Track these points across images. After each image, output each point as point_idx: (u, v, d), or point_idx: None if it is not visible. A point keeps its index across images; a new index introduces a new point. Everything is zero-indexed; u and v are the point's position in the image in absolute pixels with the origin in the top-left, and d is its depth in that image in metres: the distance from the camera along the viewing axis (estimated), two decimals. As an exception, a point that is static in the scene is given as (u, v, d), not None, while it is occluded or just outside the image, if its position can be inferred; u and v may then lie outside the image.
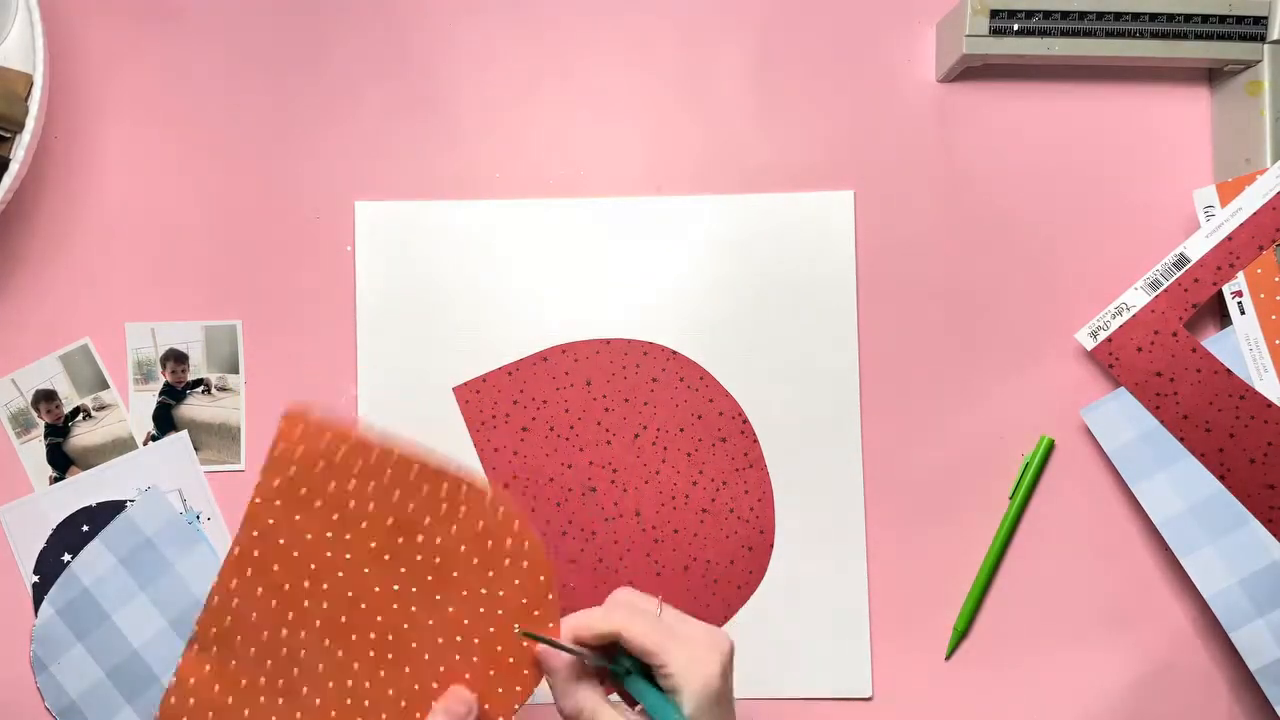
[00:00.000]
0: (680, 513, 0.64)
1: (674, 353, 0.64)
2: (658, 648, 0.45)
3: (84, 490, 0.65)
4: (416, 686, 0.48)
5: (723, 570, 0.64)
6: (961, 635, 0.64)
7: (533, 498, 0.64)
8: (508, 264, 0.65)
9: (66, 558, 0.65)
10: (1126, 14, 0.61)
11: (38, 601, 0.65)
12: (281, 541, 0.48)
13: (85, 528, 0.65)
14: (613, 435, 0.64)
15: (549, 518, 0.64)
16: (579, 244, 0.65)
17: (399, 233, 0.65)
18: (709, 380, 0.64)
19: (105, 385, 0.65)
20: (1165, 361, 0.61)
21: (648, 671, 0.46)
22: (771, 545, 0.64)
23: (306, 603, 0.49)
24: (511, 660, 0.48)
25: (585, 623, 0.46)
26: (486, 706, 0.48)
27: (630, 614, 0.46)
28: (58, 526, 0.65)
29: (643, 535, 0.64)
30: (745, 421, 0.64)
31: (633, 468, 0.64)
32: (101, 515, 0.65)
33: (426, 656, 0.48)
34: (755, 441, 0.64)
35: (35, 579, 0.65)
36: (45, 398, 0.65)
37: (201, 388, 0.65)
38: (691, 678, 0.44)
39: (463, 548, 0.48)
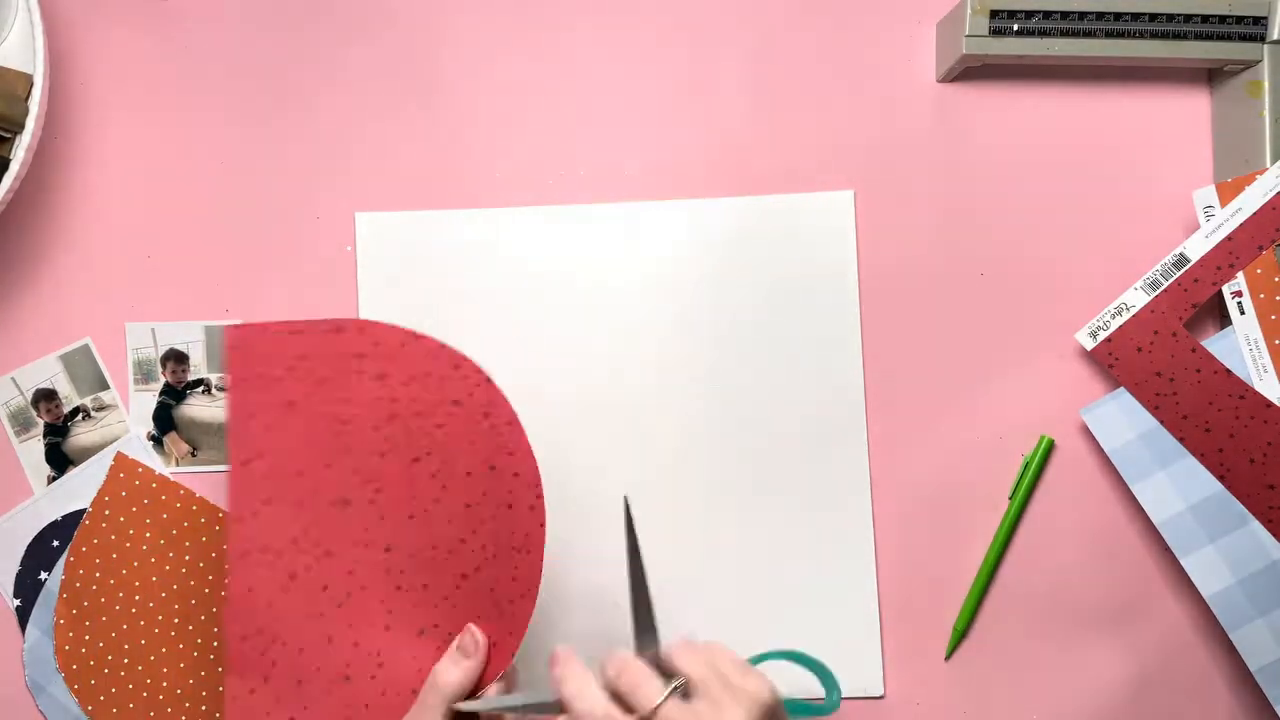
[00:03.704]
0: (437, 568, 0.53)
1: (488, 380, 0.52)
2: None
3: (44, 510, 0.65)
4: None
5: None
6: (962, 635, 0.64)
7: (272, 488, 0.53)
8: (509, 271, 0.65)
9: (43, 576, 0.65)
10: (1126, 14, 0.61)
11: (24, 625, 0.65)
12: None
13: (55, 543, 0.65)
14: (389, 449, 0.53)
15: (285, 519, 0.53)
16: (579, 249, 0.65)
17: (399, 243, 0.65)
18: (516, 431, 0.52)
19: (105, 385, 0.65)
20: (1165, 361, 0.61)
21: None
22: (513, 653, 0.52)
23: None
24: None
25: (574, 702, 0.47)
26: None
27: None
28: (29, 546, 0.65)
29: (385, 577, 0.53)
30: (539, 497, 0.52)
31: (399, 495, 0.53)
32: (67, 528, 0.65)
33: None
34: (541, 526, 0.52)
35: (17, 602, 0.65)
36: (45, 397, 0.65)
37: (201, 388, 0.65)
38: None
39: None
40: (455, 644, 0.52)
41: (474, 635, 0.52)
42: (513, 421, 0.52)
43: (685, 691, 0.46)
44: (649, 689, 0.46)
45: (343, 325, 0.53)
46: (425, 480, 0.53)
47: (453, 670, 0.50)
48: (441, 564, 0.53)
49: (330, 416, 0.53)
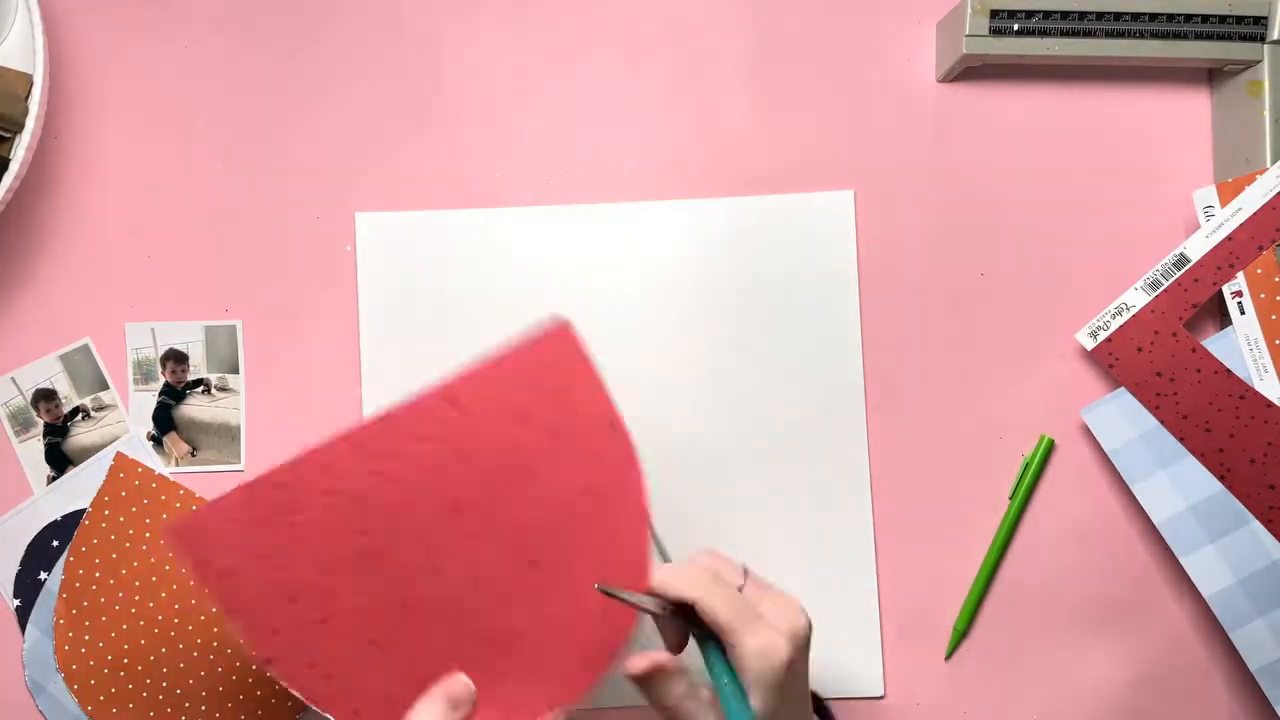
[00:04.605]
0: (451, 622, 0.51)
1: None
2: (730, 627, 0.45)
3: (44, 510, 0.65)
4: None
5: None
6: (962, 635, 0.64)
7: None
8: (509, 271, 0.65)
9: (43, 576, 0.64)
10: (1126, 14, 0.61)
11: (24, 625, 0.64)
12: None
13: (55, 543, 0.65)
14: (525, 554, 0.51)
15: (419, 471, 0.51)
16: (579, 249, 0.65)
17: (399, 243, 0.65)
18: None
19: (105, 385, 0.65)
20: (1165, 361, 0.61)
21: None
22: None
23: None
24: None
25: (670, 580, 0.47)
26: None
27: (711, 582, 0.47)
28: (29, 546, 0.65)
29: (400, 606, 0.51)
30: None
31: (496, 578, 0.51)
32: (67, 528, 0.65)
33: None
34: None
35: (17, 602, 0.65)
36: (45, 397, 0.65)
37: (201, 388, 0.65)
38: (761, 665, 0.45)
39: None
40: (442, 690, 0.49)
41: (465, 684, 0.49)
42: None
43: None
44: (733, 568, 0.49)
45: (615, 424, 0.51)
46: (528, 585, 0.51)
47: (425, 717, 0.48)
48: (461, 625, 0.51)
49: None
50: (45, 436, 0.65)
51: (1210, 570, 0.60)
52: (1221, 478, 0.60)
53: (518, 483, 0.51)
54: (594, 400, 0.51)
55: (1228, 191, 0.60)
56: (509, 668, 0.51)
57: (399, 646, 0.51)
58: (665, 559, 0.51)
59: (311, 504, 0.50)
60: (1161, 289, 0.61)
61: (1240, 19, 0.61)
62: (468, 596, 0.51)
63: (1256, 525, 0.59)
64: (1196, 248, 0.61)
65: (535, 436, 0.51)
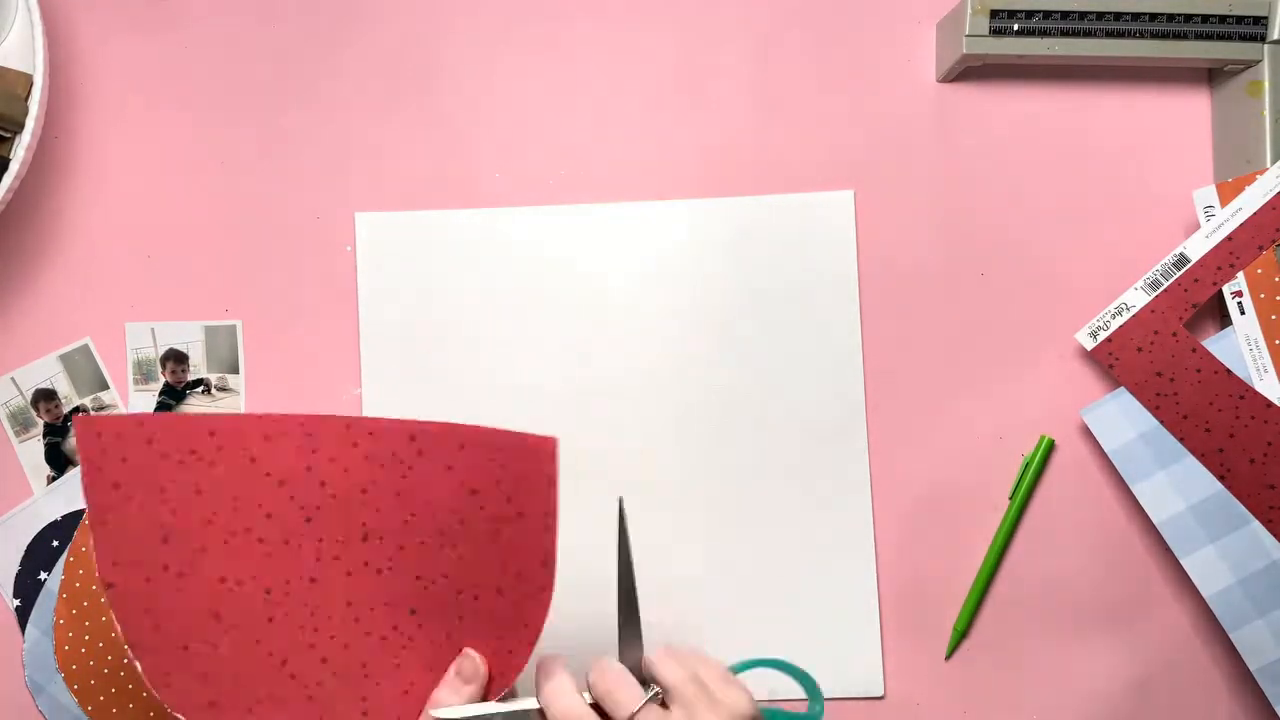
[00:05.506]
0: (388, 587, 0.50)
1: None
2: None
3: (44, 510, 0.65)
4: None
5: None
6: (962, 635, 0.64)
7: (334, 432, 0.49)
8: (509, 271, 0.65)
9: (43, 576, 0.65)
10: (1126, 14, 0.61)
11: (24, 625, 0.64)
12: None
13: (55, 543, 0.65)
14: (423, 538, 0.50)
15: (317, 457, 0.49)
16: (579, 249, 0.65)
17: (399, 243, 0.65)
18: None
19: (105, 385, 0.65)
20: (1165, 361, 0.61)
21: None
22: (517, 673, 0.50)
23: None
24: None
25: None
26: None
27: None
28: (29, 546, 0.65)
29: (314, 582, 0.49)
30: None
31: (408, 562, 0.50)
32: (67, 528, 0.65)
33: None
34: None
35: (17, 602, 0.65)
36: (45, 397, 0.65)
37: (201, 388, 0.65)
38: None
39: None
40: (454, 669, 0.49)
41: (474, 660, 0.49)
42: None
43: (664, 700, 0.46)
44: (627, 695, 0.45)
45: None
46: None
47: (453, 698, 0.48)
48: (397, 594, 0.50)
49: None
50: (45, 436, 0.65)
51: (1210, 570, 0.60)
52: (1221, 478, 0.60)
53: (436, 545, 0.49)
54: (543, 531, 0.49)
55: (1228, 191, 0.60)
56: (344, 698, 0.49)
57: (239, 632, 0.48)
58: (634, 630, 0.49)
59: (233, 464, 0.48)
60: (1161, 289, 0.61)
61: (1240, 19, 0.61)
62: (333, 615, 0.49)
63: (1256, 525, 0.59)
64: (1196, 248, 0.61)
65: (476, 520, 0.49)
